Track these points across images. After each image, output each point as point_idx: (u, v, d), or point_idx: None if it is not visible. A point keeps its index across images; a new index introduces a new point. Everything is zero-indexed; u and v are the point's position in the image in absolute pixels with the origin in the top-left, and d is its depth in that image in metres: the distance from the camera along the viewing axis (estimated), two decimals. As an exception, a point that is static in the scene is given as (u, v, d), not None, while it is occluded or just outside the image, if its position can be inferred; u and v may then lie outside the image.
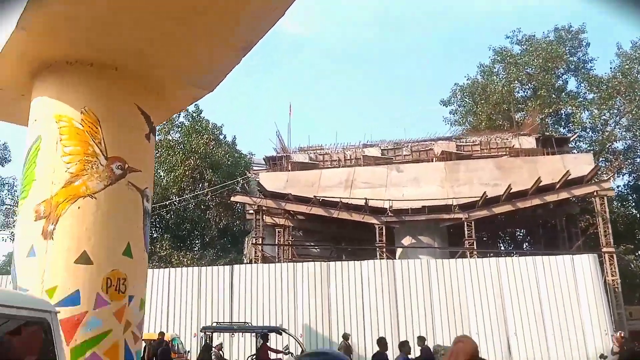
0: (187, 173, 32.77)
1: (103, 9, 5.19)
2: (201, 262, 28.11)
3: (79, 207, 5.55)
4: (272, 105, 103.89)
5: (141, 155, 6.32)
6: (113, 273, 5.54)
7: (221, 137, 36.83)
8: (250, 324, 15.51)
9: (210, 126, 35.70)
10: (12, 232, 42.51)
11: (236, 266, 17.89)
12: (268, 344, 13.02)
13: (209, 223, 34.48)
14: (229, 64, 6.61)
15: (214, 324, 15.24)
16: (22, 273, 5.48)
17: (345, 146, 29.07)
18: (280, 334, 14.03)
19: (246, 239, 35.68)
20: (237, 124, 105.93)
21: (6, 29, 5.58)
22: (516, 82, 38.29)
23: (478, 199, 22.31)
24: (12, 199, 45.55)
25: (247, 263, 27.11)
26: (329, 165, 27.75)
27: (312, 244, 28.49)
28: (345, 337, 13.84)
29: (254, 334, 14.40)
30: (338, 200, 23.43)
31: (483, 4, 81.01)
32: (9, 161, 43.99)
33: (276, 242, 26.14)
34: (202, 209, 34.27)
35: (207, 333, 13.82)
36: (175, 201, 32.66)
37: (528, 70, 37.98)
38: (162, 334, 14.05)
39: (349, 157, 28.06)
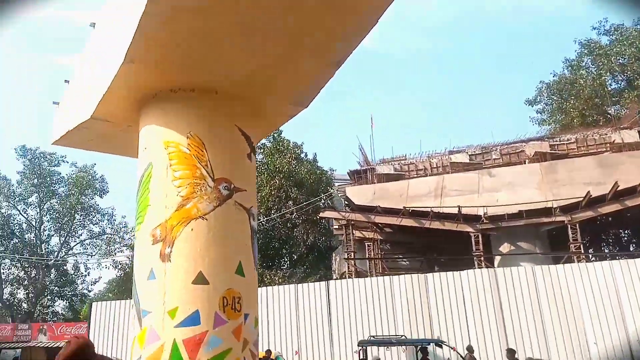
0: (272, 193, 33.28)
1: (211, 37, 5.28)
2: (291, 280, 28.34)
3: (192, 229, 5.64)
4: (348, 120, 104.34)
5: (245, 175, 6.37)
6: (228, 292, 5.56)
7: (302, 155, 37.32)
8: (405, 337, 15.25)
9: (291, 145, 36.27)
10: (114, 259, 45.16)
11: (331, 282, 17.86)
12: (428, 357, 12.76)
13: (296, 241, 34.80)
14: (323, 79, 6.56)
15: (370, 338, 15.08)
16: (144, 296, 5.62)
17: (430, 154, 28.46)
18: (441, 346, 13.70)
19: (333, 255, 35.69)
20: (314, 141, 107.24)
21: (114, 63, 5.82)
22: (607, 74, 35.98)
23: (580, 199, 20.94)
24: (112, 228, 48.44)
25: (336, 278, 27.06)
26: (415, 175, 27.24)
27: (401, 256, 27.99)
28: (470, 349, 13.33)
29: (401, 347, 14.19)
30: (428, 209, 22.87)
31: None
32: (107, 192, 47.05)
33: (366, 256, 25.91)
34: (288, 228, 34.68)
35: (364, 347, 13.74)
36: (263, 221, 33.29)
37: (620, 60, 35.58)
38: (269, 352, 14.23)
39: (435, 165, 27.41)
